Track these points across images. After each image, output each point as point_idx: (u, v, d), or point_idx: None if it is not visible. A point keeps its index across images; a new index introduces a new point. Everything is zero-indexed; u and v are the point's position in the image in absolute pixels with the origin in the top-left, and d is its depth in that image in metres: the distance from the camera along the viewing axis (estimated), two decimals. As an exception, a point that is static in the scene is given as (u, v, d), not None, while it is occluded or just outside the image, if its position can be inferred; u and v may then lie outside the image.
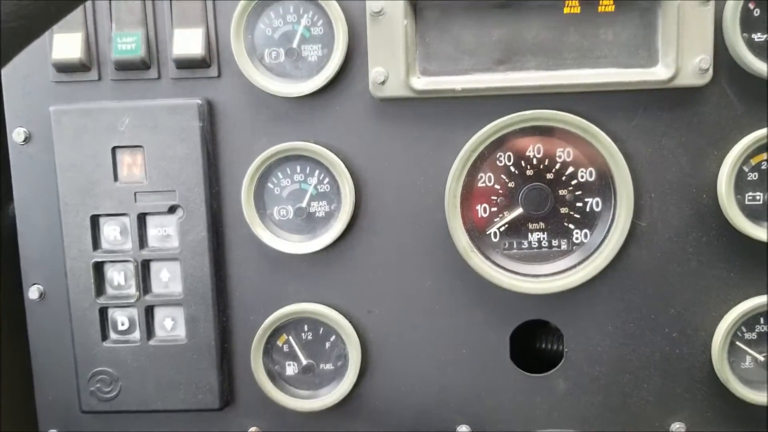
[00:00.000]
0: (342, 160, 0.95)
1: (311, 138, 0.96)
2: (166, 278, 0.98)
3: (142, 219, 0.97)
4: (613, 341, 0.98)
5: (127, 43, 0.94)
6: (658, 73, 0.91)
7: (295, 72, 0.95)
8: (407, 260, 0.98)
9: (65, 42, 0.95)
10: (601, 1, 0.91)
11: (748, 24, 0.91)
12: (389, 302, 0.99)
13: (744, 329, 0.98)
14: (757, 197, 0.94)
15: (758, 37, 0.91)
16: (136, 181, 0.96)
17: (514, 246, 0.98)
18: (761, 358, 0.97)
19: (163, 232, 0.98)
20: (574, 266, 0.96)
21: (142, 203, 0.96)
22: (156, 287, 0.99)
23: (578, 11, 0.91)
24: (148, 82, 0.97)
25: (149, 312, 0.99)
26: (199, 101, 0.95)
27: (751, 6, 0.91)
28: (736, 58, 0.91)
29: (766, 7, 0.91)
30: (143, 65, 0.95)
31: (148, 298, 0.98)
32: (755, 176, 0.94)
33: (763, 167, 0.94)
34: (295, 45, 0.95)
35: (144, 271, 0.98)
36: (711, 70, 0.91)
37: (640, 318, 0.98)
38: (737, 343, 0.97)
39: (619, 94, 0.93)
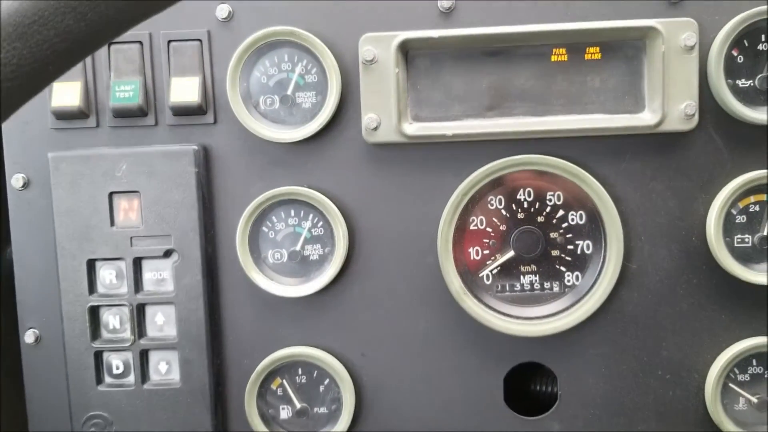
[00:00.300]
0: (336, 204, 0.96)
1: (305, 182, 0.98)
2: (161, 322, 0.99)
3: (137, 263, 0.98)
4: (606, 383, 0.99)
5: (125, 91, 0.96)
6: (645, 118, 0.93)
7: (290, 118, 0.97)
8: (401, 303, 0.98)
9: (64, 90, 0.97)
10: (587, 50, 0.93)
11: (732, 70, 0.93)
12: (383, 345, 0.99)
13: (737, 371, 0.98)
14: (746, 239, 0.96)
15: (742, 83, 0.93)
16: (132, 225, 0.97)
17: (507, 288, 0.98)
18: (755, 399, 0.97)
19: (158, 276, 0.99)
20: (567, 309, 0.97)
21: (138, 248, 0.97)
22: (151, 331, 0.99)
23: (565, 59, 0.94)
24: (145, 128, 0.98)
25: (144, 356, 0.99)
26: (195, 147, 0.96)
27: (734, 53, 0.93)
28: (721, 104, 0.93)
29: (749, 55, 0.94)
30: (141, 112, 0.97)
31: (142, 341, 0.99)
32: (743, 219, 0.95)
33: (751, 210, 0.95)
34: (289, 92, 0.97)
35: (139, 314, 0.99)
36: (697, 116, 0.92)
37: (633, 360, 0.98)
38: (730, 384, 0.98)
39: (607, 139, 0.95)
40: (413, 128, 0.94)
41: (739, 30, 0.91)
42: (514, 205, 0.97)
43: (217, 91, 0.97)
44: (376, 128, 0.94)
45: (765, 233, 0.95)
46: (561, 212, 0.97)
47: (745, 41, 0.93)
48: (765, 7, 0.91)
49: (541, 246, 0.97)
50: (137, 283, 0.98)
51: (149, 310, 0.99)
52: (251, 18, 0.96)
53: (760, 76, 0.93)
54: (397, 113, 0.93)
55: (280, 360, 0.99)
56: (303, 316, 0.99)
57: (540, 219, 0.97)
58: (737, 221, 0.96)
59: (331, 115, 0.95)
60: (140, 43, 0.97)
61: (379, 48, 0.93)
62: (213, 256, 0.99)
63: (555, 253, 0.97)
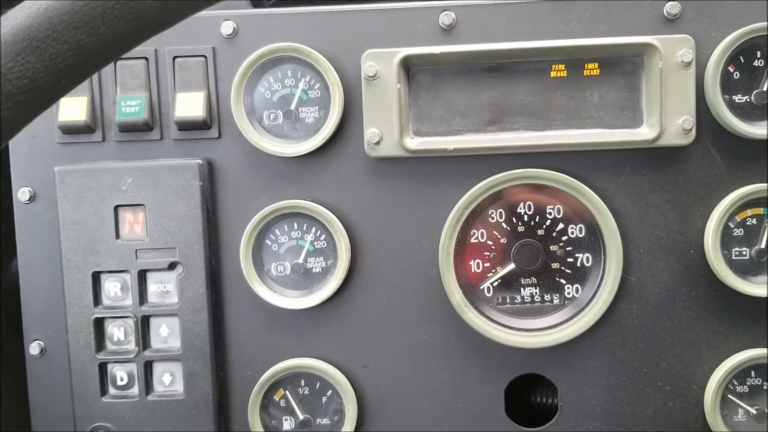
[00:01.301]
0: (338, 217, 0.98)
1: (308, 196, 0.99)
2: (165, 333, 1.00)
3: (142, 275, 0.99)
4: (606, 395, 0.99)
5: (131, 106, 0.98)
6: (643, 133, 0.94)
7: (293, 133, 0.99)
8: (402, 315, 1.00)
9: (71, 105, 0.98)
10: (586, 66, 0.95)
11: (728, 86, 0.95)
12: (385, 357, 1.00)
13: (736, 382, 0.99)
14: (744, 252, 0.97)
15: (739, 98, 0.95)
16: (137, 238, 0.99)
17: (507, 301, 0.99)
18: (753, 411, 0.98)
19: (162, 288, 1.00)
20: (567, 320, 0.98)
21: (143, 260, 0.98)
22: (155, 342, 1.00)
23: (564, 75, 0.95)
24: (150, 143, 1.00)
25: (148, 367, 1.00)
26: (200, 161, 0.98)
27: (731, 69, 0.95)
28: (718, 119, 0.95)
29: (745, 71, 0.95)
30: (146, 127, 0.99)
31: (147, 353, 0.99)
32: (741, 232, 0.97)
33: (748, 223, 0.96)
34: (293, 107, 0.98)
35: (143, 326, 1.00)
36: (694, 131, 0.94)
37: (633, 372, 0.99)
38: (729, 396, 0.98)
39: (606, 153, 0.96)
40: (415, 143, 0.96)
41: (735, 46, 0.93)
42: (514, 219, 0.98)
43: (222, 106, 0.99)
44: (378, 143, 0.96)
45: (762, 246, 0.96)
46: (561, 225, 0.98)
47: (741, 57, 0.95)
48: (760, 24, 0.93)
49: (541, 259, 0.98)
50: (142, 295, 0.99)
51: (153, 322, 1.00)
52: (255, 34, 0.98)
53: (756, 91, 0.94)
54: (399, 128, 0.95)
55: (283, 371, 1.00)
56: (306, 328, 1.00)
57: (540, 232, 0.98)
58: (735, 234, 0.97)
59: (333, 130, 0.96)
60: (146, 59, 0.99)
61: (381, 64, 0.94)
62: (217, 268, 1.00)
63: (555, 265, 0.99)
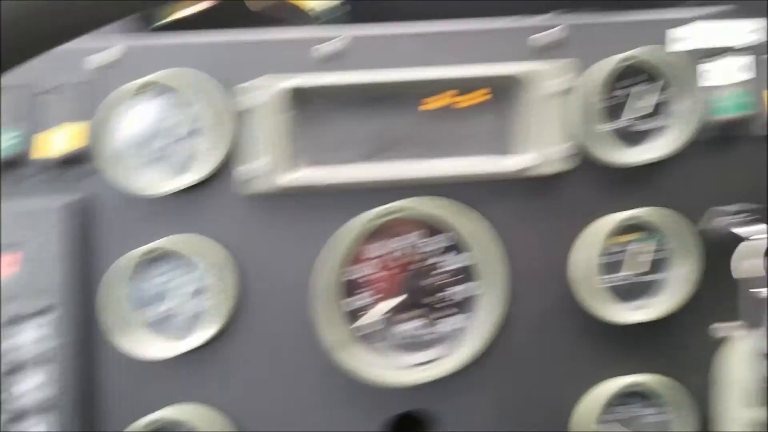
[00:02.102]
0: (217, 257, 0.95)
1: (184, 233, 0.96)
2: (34, 384, 0.95)
3: (13, 321, 0.95)
4: (490, 426, 0.99)
5: (7, 140, 0.94)
6: (518, 162, 0.95)
7: (171, 168, 0.96)
8: (280, 357, 0.97)
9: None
10: (463, 96, 0.95)
11: (602, 114, 0.96)
12: (263, 401, 0.98)
13: (610, 410, 0.99)
14: (614, 280, 0.98)
15: (613, 125, 0.97)
16: (8, 281, 0.94)
17: (386, 337, 0.98)
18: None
19: (33, 334, 0.96)
20: (446, 354, 0.97)
21: (12, 305, 0.94)
22: (23, 393, 0.96)
23: (441, 105, 0.95)
24: (23, 179, 0.96)
25: (15, 419, 0.95)
26: (75, 198, 0.94)
27: (605, 97, 0.96)
28: (591, 147, 0.96)
29: (621, 98, 0.97)
30: (21, 162, 0.95)
31: (13, 404, 0.95)
32: (615, 258, 0.97)
33: (614, 251, 0.97)
34: (168, 141, 0.95)
35: (11, 375, 0.95)
36: (571, 158, 0.95)
37: (515, 402, 0.99)
38: (604, 422, 0.98)
39: (484, 182, 0.96)
40: (290, 178, 0.94)
41: (609, 74, 0.94)
42: (396, 252, 0.97)
43: (99, 140, 0.95)
44: (252, 179, 0.94)
45: (628, 272, 0.97)
46: (445, 256, 0.98)
47: (615, 85, 0.96)
48: (632, 51, 0.94)
49: (421, 292, 0.97)
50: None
51: (21, 371, 0.96)
52: (140, 62, 0.95)
53: (629, 118, 0.96)
54: (275, 162, 0.93)
55: (157, 422, 0.95)
56: (181, 373, 0.97)
57: (423, 263, 0.98)
58: (606, 262, 0.97)
59: (212, 165, 0.94)
60: (24, 87, 0.95)
61: (258, 97, 0.93)
62: (90, 314, 0.96)
63: (434, 298, 0.98)
